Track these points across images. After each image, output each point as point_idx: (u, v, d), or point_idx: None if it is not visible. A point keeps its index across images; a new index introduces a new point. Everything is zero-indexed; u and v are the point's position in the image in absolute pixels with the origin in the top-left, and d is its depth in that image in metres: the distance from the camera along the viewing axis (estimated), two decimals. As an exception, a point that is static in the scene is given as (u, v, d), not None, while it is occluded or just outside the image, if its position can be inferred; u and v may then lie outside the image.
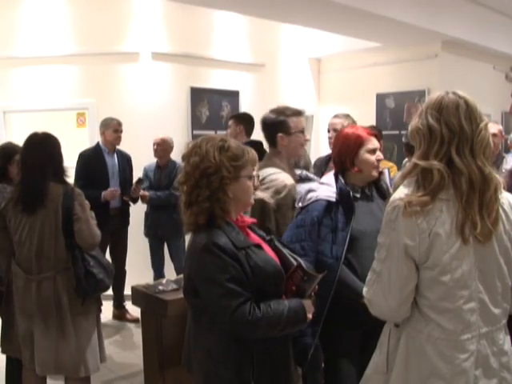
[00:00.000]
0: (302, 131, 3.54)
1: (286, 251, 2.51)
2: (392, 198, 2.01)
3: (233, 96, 8.17)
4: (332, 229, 2.90)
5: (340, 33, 8.16)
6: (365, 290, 2.10)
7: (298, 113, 3.57)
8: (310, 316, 2.38)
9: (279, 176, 3.36)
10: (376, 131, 3.22)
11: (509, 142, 6.77)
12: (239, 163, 2.34)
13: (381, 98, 8.77)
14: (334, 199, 2.95)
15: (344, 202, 2.94)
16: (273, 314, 2.23)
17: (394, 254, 1.96)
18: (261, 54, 8.62)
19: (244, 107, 8.18)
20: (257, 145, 5.30)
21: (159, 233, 6.46)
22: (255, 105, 8.37)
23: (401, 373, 2.02)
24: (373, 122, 8.55)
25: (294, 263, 2.42)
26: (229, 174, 2.29)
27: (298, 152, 3.59)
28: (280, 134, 3.46)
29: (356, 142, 3.03)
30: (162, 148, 6.47)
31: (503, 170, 5.06)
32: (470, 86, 8.62)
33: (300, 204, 3.06)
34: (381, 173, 3.14)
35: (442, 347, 1.97)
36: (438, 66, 8.31)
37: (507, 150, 6.35)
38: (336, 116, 4.79)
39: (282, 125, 3.48)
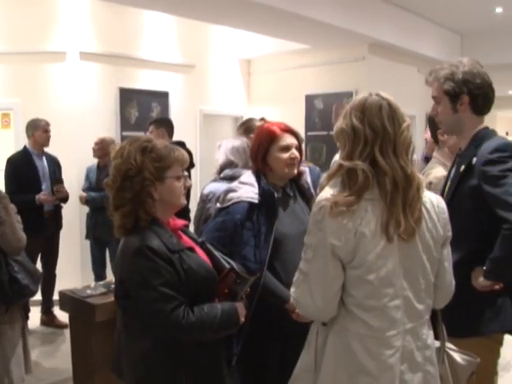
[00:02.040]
0: None
1: (218, 254, 2.50)
2: (318, 199, 2.02)
3: (162, 97, 8.12)
4: (255, 232, 2.81)
5: (269, 34, 8.22)
6: (292, 290, 2.11)
7: None
8: (242, 319, 2.39)
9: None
10: (290, 127, 3.05)
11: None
12: (163, 164, 2.30)
13: (310, 99, 8.88)
14: (256, 200, 2.84)
15: (267, 204, 2.85)
16: (206, 318, 2.22)
17: (321, 254, 1.98)
18: (191, 55, 8.59)
19: (174, 108, 8.15)
20: (180, 145, 5.28)
21: (97, 235, 6.36)
22: (185, 105, 8.37)
23: (329, 370, 2.04)
24: (302, 122, 8.66)
25: (227, 266, 2.42)
26: (152, 175, 2.26)
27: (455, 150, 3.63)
28: None
29: (267, 139, 2.94)
30: (100, 147, 6.38)
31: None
32: (396, 88, 8.86)
33: (219, 205, 2.95)
34: (300, 172, 3.05)
35: (368, 344, 2.00)
36: (366, 68, 8.48)
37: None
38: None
39: None
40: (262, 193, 2.86)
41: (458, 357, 2.37)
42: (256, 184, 2.91)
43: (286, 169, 2.91)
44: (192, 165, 6.05)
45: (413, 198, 2.00)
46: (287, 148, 2.92)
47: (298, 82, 9.08)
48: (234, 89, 9.58)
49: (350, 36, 7.92)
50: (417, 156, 5.37)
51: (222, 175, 3.85)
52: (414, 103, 8.78)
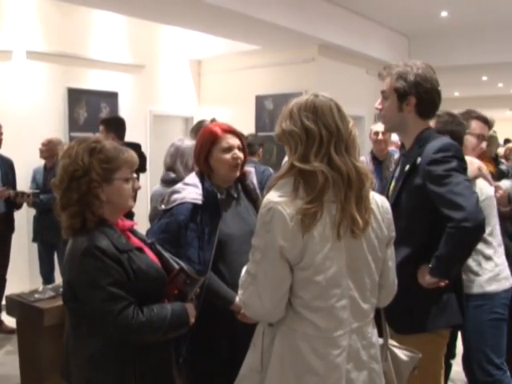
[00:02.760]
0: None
1: (167, 255, 2.50)
2: (266, 200, 2.01)
3: (111, 97, 8.03)
4: (198, 233, 2.80)
5: (219, 35, 8.23)
6: (240, 292, 2.11)
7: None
8: (192, 320, 2.39)
9: None
10: (233, 128, 3.02)
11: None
12: (111, 165, 2.28)
13: (260, 100, 8.91)
14: (200, 202, 2.83)
15: (211, 205, 2.84)
16: (156, 319, 2.21)
17: (269, 255, 1.98)
18: (140, 55, 8.52)
19: (123, 109, 8.07)
20: (134, 147, 5.25)
21: (45, 238, 6.25)
22: (135, 106, 8.30)
23: (276, 371, 2.05)
24: (252, 123, 8.69)
25: (176, 267, 2.41)
26: (99, 177, 2.24)
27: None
28: None
29: (209, 140, 2.92)
30: (47, 148, 6.27)
31: (390, 169, 5.25)
32: (345, 89, 8.99)
33: (163, 206, 2.92)
34: (244, 173, 3.04)
35: (316, 344, 2.02)
36: (315, 69, 8.56)
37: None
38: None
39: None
40: (206, 194, 2.85)
41: (400, 353, 2.42)
42: (200, 185, 2.90)
43: (228, 170, 2.91)
44: (144, 169, 6.03)
45: (365, 194, 2.04)
46: (229, 149, 2.90)
47: (248, 83, 9.11)
48: (184, 89, 9.54)
49: (299, 37, 7.98)
50: (365, 157, 5.44)
51: (162, 178, 3.87)
52: (363, 104, 8.90)
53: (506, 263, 3.43)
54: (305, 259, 1.97)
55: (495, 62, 10.57)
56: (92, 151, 2.27)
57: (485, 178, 3.41)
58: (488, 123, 3.87)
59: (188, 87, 9.64)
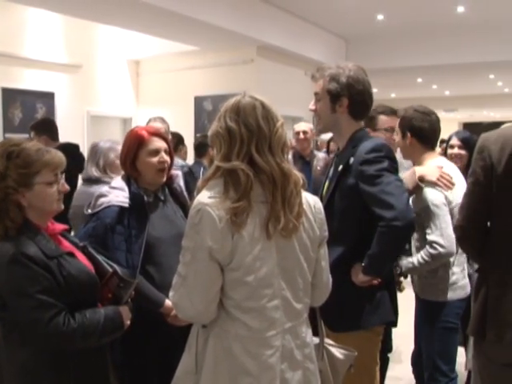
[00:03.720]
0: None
1: (100, 258, 2.45)
2: (196, 202, 2.01)
3: (48, 97, 7.89)
4: (126, 237, 2.78)
5: (158, 35, 8.18)
6: (171, 293, 2.09)
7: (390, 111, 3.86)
8: (127, 323, 2.36)
9: None
10: (160, 131, 3.05)
11: (319, 142, 7.22)
12: (30, 170, 2.19)
13: (199, 101, 8.91)
14: (127, 204, 2.81)
15: (138, 208, 2.82)
16: (89, 324, 2.17)
17: (199, 257, 1.97)
18: (77, 55, 8.40)
19: (60, 109, 7.94)
20: (72, 148, 5.19)
21: None
22: (71, 107, 8.17)
23: (210, 373, 2.04)
24: (191, 124, 8.67)
25: (110, 270, 2.38)
26: (15, 182, 2.17)
27: None
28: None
29: (135, 143, 2.90)
30: None
31: (318, 168, 5.32)
32: (283, 90, 9.05)
33: (90, 210, 2.87)
34: (171, 176, 3.04)
35: (248, 345, 2.02)
36: (254, 70, 8.60)
37: (318, 149, 6.78)
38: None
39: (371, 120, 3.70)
40: (132, 197, 2.84)
41: (336, 352, 2.45)
42: (126, 188, 2.88)
43: (155, 173, 2.89)
44: (81, 170, 5.92)
45: (291, 193, 2.04)
46: (156, 152, 2.89)
47: (187, 84, 9.09)
48: (122, 90, 9.45)
49: (238, 38, 8.01)
50: (290, 156, 5.50)
51: (84, 176, 3.85)
52: (301, 105, 8.91)
53: (465, 272, 3.41)
54: (235, 260, 1.97)
55: (429, 65, 10.86)
56: (9, 155, 2.18)
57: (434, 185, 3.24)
58: (395, 113, 3.85)
59: (126, 87, 9.55)
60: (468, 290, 3.38)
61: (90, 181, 3.72)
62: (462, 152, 4.19)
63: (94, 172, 3.73)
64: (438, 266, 3.26)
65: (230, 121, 2.04)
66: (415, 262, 3.18)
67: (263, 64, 8.78)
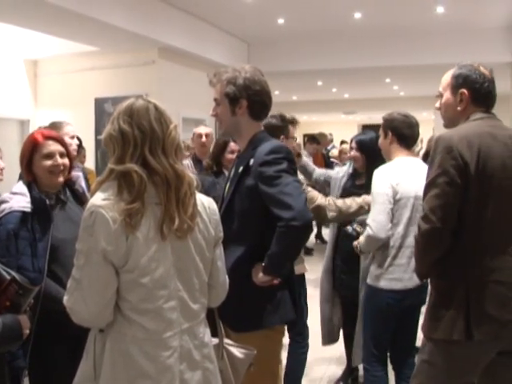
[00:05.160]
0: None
1: None
2: (89, 204, 2.00)
3: None
4: (30, 241, 2.77)
5: (56, 35, 7.96)
6: (65, 298, 2.06)
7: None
8: (26, 332, 2.30)
9: None
10: (55, 134, 3.02)
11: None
12: None
13: (99, 103, 8.77)
14: (29, 209, 2.81)
15: (40, 212, 2.82)
16: None
17: (93, 259, 1.96)
18: (-31, 53, 8.06)
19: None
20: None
21: None
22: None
23: (109, 378, 2.01)
24: (92, 126, 8.52)
25: (7, 277, 2.31)
26: None
27: None
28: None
29: (30, 147, 2.90)
30: None
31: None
32: (186, 92, 9.02)
33: None
34: (70, 178, 3.04)
35: (146, 347, 2.01)
36: (156, 71, 8.55)
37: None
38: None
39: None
40: (34, 201, 2.83)
41: (235, 351, 2.48)
42: (27, 193, 2.87)
43: (49, 176, 2.89)
44: None
45: (185, 194, 2.06)
46: (49, 155, 2.89)
47: (87, 85, 8.92)
48: (19, 91, 9.15)
49: (139, 40, 7.94)
50: (188, 161, 5.50)
51: None
52: (204, 107, 8.92)
53: (408, 266, 3.49)
54: (130, 262, 1.97)
55: (329, 68, 11.14)
56: None
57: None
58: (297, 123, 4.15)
59: (23, 88, 9.25)
60: (408, 284, 3.52)
61: None
62: (357, 154, 4.32)
63: None
64: (375, 250, 3.58)
65: (124, 123, 2.05)
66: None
67: (165, 66, 8.74)
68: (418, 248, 2.65)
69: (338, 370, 4.98)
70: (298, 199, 2.57)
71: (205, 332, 2.21)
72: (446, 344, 2.51)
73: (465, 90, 2.62)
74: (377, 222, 3.46)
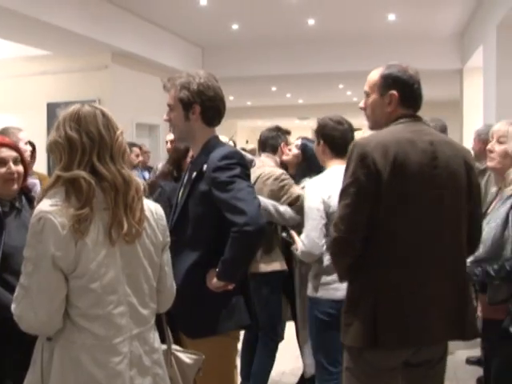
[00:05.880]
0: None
1: None
2: (36, 210, 1.99)
3: None
4: None
5: (6, 38, 7.83)
6: (13, 306, 2.02)
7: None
8: None
9: None
10: (9, 141, 2.98)
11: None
12: None
13: (51, 108, 8.66)
14: None
15: None
16: None
17: (42, 266, 1.94)
18: None
19: None
20: None
21: None
22: None
23: None
24: (44, 131, 8.37)
25: None
26: None
27: None
28: None
29: None
30: None
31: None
32: (140, 97, 8.98)
33: None
34: (25, 185, 2.99)
35: (96, 354, 2.00)
36: (109, 76, 8.48)
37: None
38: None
39: None
40: None
41: (184, 357, 2.47)
42: None
43: (2, 184, 2.82)
44: None
45: (133, 199, 2.06)
46: (3, 162, 2.82)
47: (38, 90, 8.80)
48: (-36, 96, 8.96)
49: (92, 44, 7.87)
50: (161, 164, 5.47)
51: None
52: (157, 112, 8.87)
53: None
54: (79, 267, 1.96)
55: (283, 74, 11.23)
56: None
57: None
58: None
59: (-31, 93, 9.06)
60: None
61: None
62: (297, 153, 4.33)
63: None
64: (311, 262, 3.49)
65: (71, 130, 2.04)
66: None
67: (118, 71, 8.68)
68: (330, 253, 2.67)
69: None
70: (251, 204, 2.59)
71: (154, 337, 2.20)
72: (356, 350, 2.46)
73: (394, 92, 2.52)
74: (309, 239, 3.36)
